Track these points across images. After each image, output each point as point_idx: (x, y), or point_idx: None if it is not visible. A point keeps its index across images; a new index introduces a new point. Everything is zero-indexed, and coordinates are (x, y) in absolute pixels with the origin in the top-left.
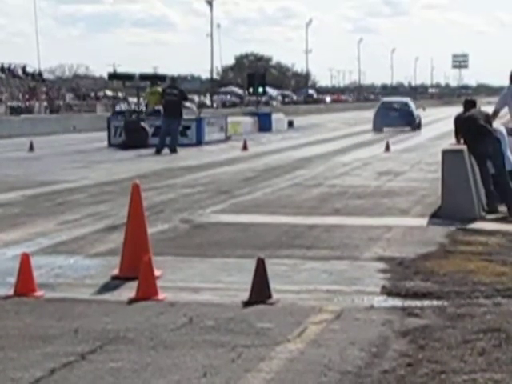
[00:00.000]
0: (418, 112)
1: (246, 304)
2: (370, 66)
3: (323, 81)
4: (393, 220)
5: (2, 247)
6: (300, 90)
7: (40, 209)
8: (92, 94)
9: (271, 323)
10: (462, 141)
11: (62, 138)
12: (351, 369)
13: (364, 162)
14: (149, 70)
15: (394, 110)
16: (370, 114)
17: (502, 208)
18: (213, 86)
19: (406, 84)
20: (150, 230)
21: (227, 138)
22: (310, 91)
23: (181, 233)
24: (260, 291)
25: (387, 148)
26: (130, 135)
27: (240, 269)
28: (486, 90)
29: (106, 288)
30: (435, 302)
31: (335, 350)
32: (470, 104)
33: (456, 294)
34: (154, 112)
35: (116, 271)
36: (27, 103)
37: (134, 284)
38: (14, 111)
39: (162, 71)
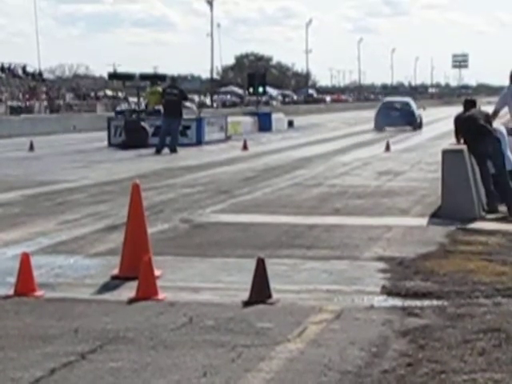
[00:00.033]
0: (419, 112)
1: (246, 304)
2: (370, 65)
3: (323, 81)
4: (393, 220)
5: (2, 247)
6: (300, 90)
7: (40, 208)
8: (92, 94)
9: (271, 323)
10: (462, 140)
11: (62, 137)
12: (351, 369)
13: (364, 162)
14: (149, 70)
15: (396, 109)
16: (370, 114)
17: (502, 208)
18: (213, 85)
19: (406, 84)
20: (150, 230)
21: (227, 138)
22: (310, 91)
23: (181, 233)
24: (260, 291)
25: (387, 148)
26: (130, 135)
27: (240, 269)
28: (485, 89)
29: (106, 288)
30: (435, 302)
31: (335, 349)
32: (470, 104)
33: (456, 293)
34: (154, 112)
35: (116, 271)
36: (27, 103)
37: (134, 284)
38: (14, 111)
39: (162, 71)
